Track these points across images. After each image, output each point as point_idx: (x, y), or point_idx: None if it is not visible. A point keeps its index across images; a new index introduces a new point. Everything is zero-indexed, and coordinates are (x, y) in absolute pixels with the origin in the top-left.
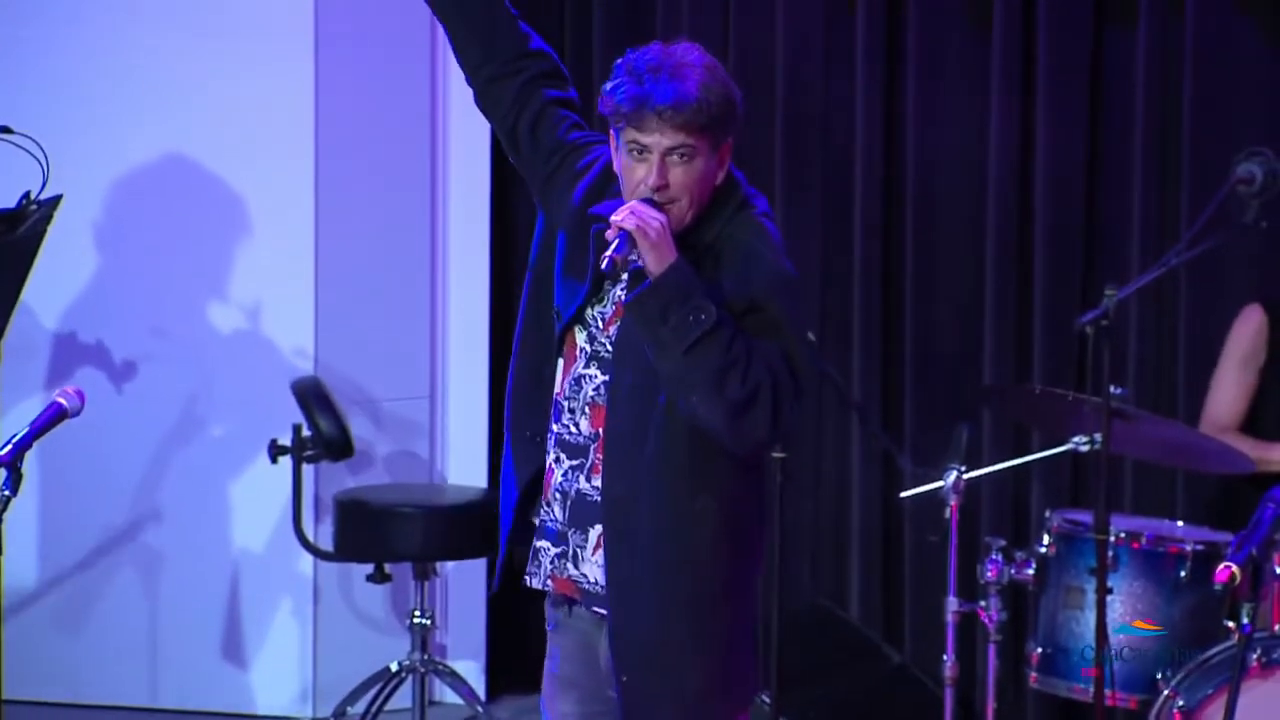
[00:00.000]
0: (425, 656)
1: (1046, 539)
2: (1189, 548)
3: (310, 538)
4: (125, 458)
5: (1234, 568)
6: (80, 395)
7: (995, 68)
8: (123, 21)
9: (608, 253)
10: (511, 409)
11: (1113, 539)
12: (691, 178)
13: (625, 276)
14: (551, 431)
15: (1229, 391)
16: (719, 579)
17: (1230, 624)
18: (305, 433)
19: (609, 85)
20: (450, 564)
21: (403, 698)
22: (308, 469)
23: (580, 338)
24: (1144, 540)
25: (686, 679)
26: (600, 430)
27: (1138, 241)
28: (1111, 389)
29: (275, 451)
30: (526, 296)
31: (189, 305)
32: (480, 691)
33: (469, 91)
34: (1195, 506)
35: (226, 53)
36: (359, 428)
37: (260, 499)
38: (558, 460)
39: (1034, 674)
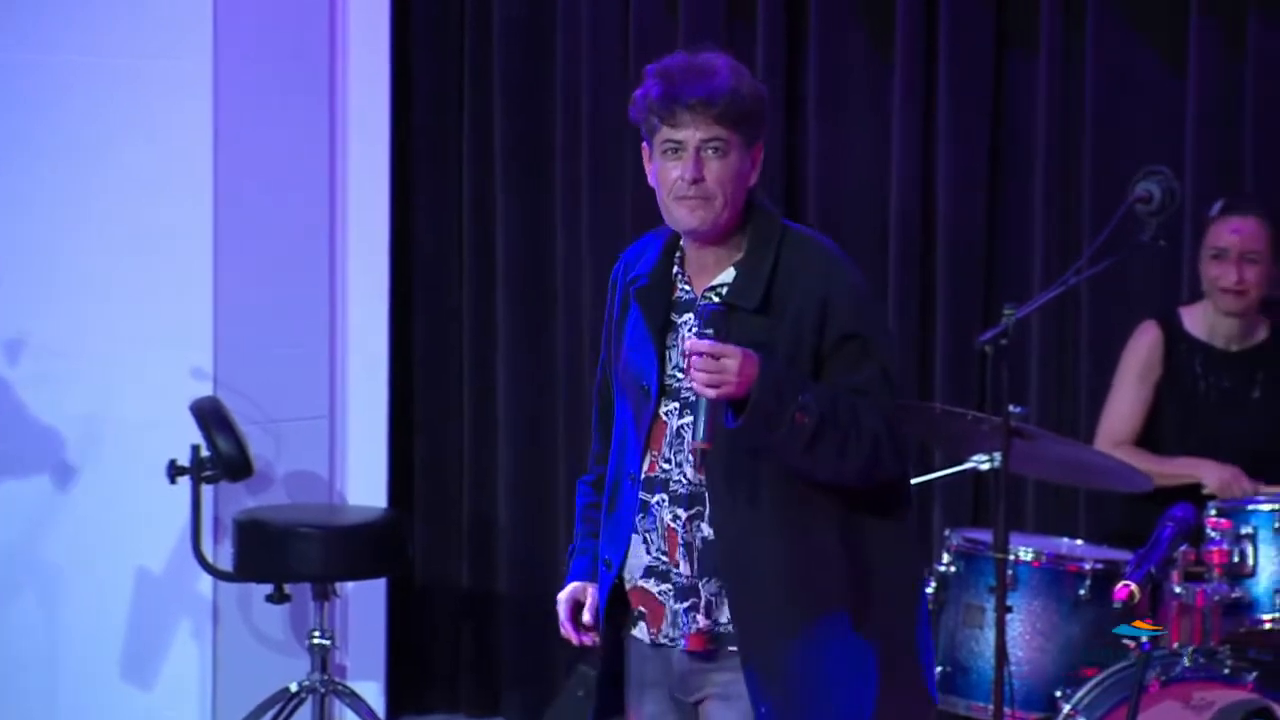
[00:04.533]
0: (325, 677)
1: (947, 557)
2: (1088, 566)
3: (209, 558)
4: (24, 478)
5: (1133, 586)
6: None
7: (897, 90)
8: (14, 44)
9: (698, 444)
10: (614, 457)
11: (1012, 558)
12: (726, 173)
13: (692, 317)
14: (665, 496)
15: (1125, 407)
16: (848, 601)
17: (1129, 642)
18: (204, 453)
19: (639, 91)
20: (350, 584)
21: (303, 718)
22: (207, 489)
23: (665, 404)
24: (1044, 559)
25: (828, 707)
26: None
27: (1039, 261)
28: (1011, 408)
29: (174, 472)
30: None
31: (87, 325)
32: (380, 712)
33: (369, 112)
34: (1096, 525)
35: (124, 71)
36: (258, 448)
37: (159, 520)
38: (675, 517)
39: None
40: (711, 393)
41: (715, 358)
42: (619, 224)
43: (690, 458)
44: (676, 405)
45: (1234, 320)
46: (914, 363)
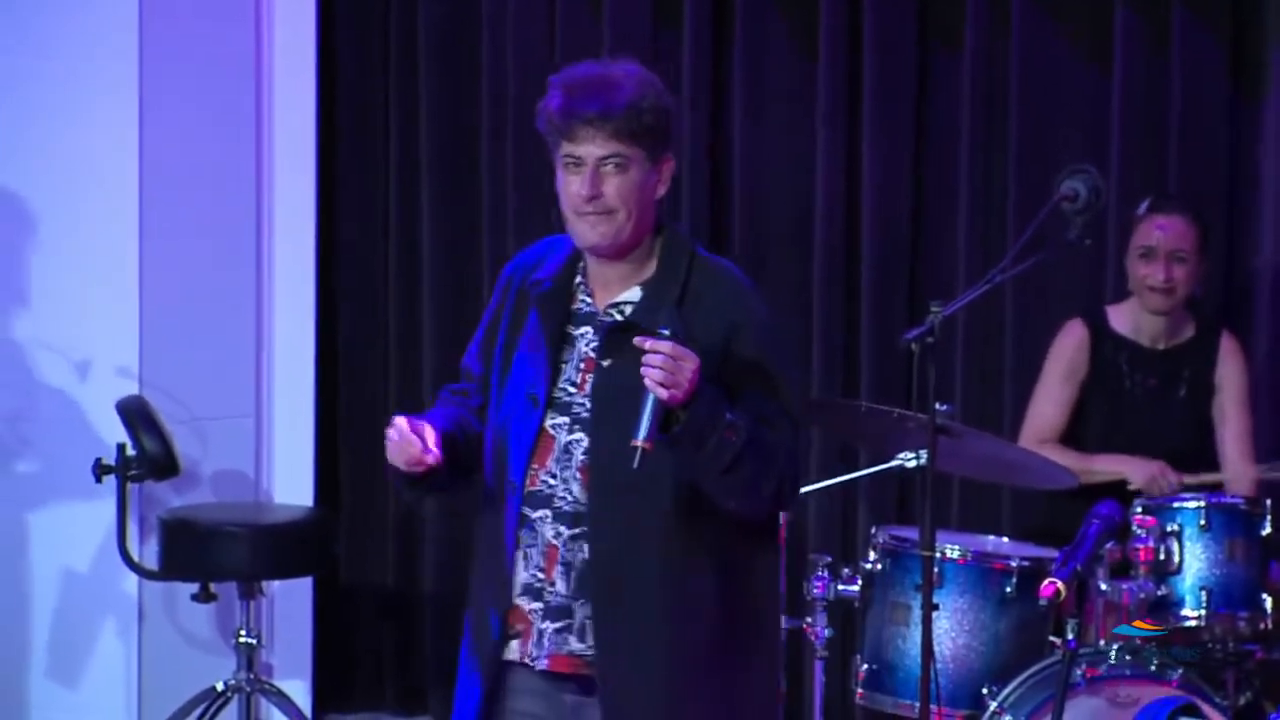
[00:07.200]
0: (251, 676)
1: (873, 555)
2: (1014, 564)
3: (135, 557)
4: None
5: (1059, 583)
6: None
7: (821, 87)
8: None
9: (641, 444)
10: (491, 462)
11: (938, 555)
12: (627, 188)
13: (590, 329)
14: (549, 511)
15: (1050, 405)
16: (718, 637)
17: (1055, 640)
18: (130, 452)
19: (543, 101)
20: (276, 583)
21: (229, 718)
22: (133, 488)
23: (552, 417)
24: (969, 556)
25: None
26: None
27: (964, 259)
28: (937, 406)
29: (100, 471)
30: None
31: (12, 324)
32: (307, 711)
33: (294, 113)
34: (1021, 522)
35: (49, 73)
36: (184, 447)
37: (85, 519)
38: (557, 535)
39: (860, 690)
40: (664, 393)
41: (675, 359)
42: (545, 226)
43: (579, 476)
44: (566, 420)
45: (1161, 318)
46: (839, 360)
